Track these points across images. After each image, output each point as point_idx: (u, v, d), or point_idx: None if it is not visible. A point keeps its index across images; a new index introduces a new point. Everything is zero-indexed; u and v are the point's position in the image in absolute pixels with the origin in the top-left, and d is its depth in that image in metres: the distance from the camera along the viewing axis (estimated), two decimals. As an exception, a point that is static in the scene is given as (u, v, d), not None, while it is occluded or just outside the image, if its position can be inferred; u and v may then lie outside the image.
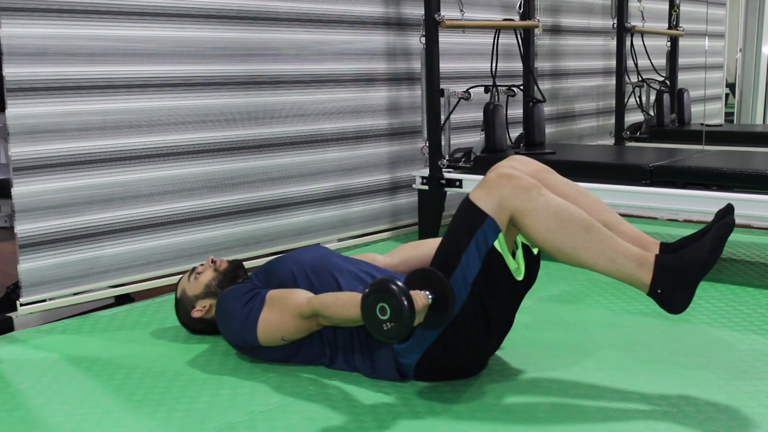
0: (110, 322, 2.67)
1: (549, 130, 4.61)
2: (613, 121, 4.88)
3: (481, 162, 3.54)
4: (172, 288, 2.49)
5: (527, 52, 4.09)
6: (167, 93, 2.99)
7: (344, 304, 1.95)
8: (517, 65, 4.14)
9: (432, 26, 3.54)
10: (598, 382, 2.02)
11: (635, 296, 2.71)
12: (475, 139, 3.94)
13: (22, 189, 2.64)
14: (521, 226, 1.88)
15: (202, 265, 2.42)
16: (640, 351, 2.25)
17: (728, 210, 1.85)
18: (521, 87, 4.08)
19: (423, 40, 3.57)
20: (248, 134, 3.26)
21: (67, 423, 1.88)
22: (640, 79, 5.03)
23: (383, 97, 3.80)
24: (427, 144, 3.65)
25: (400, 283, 1.77)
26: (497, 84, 3.88)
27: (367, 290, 1.80)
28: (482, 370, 2.10)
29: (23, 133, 2.63)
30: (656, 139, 4.81)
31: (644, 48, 4.97)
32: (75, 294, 2.81)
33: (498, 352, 2.19)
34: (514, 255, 1.96)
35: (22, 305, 2.68)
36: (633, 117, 5.07)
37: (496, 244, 1.88)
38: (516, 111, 4.24)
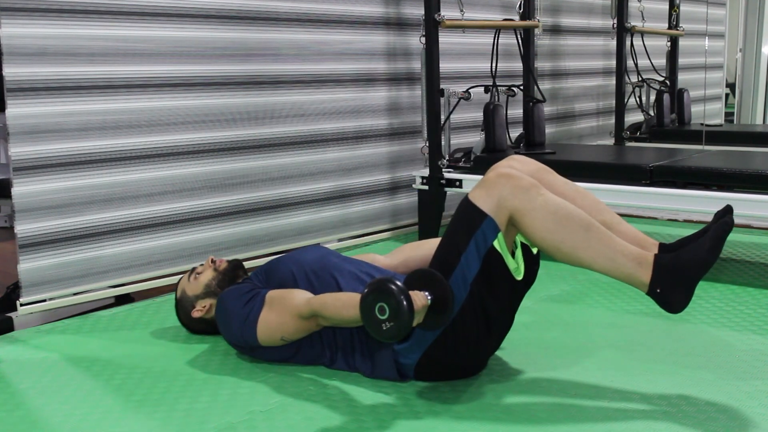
0: (110, 322, 2.67)
1: (549, 130, 4.61)
2: (613, 121, 4.89)
3: (481, 162, 3.54)
4: (172, 288, 2.49)
5: (527, 52, 4.09)
6: (167, 93, 2.99)
7: (343, 305, 1.95)
8: (517, 65, 4.14)
9: (432, 26, 3.54)
10: (598, 382, 2.02)
11: (635, 296, 2.71)
12: (475, 139, 3.94)
13: (22, 189, 2.64)
14: (520, 225, 1.88)
15: (201, 265, 2.42)
16: (640, 351, 2.25)
17: (727, 210, 1.85)
18: (521, 87, 4.08)
19: (423, 40, 3.57)
20: (248, 134, 3.26)
21: (67, 423, 1.88)
22: (640, 79, 5.03)
23: (383, 97, 3.80)
24: (427, 144, 3.65)
25: (399, 283, 1.77)
26: (497, 84, 3.88)
27: (366, 290, 1.80)
28: (482, 370, 2.10)
29: (23, 133, 2.63)
30: (656, 139, 4.81)
31: (644, 48, 4.97)
32: (75, 294, 2.81)
33: (498, 353, 2.19)
34: (513, 254, 1.96)
35: (22, 305, 2.68)
36: (633, 117, 5.07)
37: (496, 243, 1.88)
38: (516, 111, 4.24)
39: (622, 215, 2.06)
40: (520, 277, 1.96)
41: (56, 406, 1.98)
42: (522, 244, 1.99)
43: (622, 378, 2.03)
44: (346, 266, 2.17)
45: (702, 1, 5.68)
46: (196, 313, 2.36)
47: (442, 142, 3.65)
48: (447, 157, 3.67)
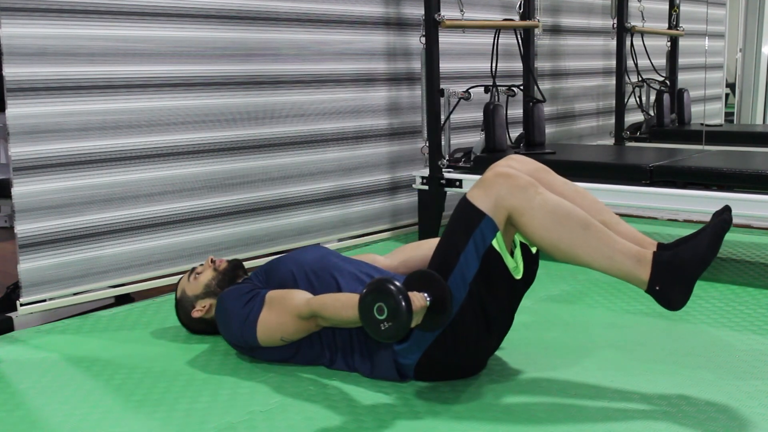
0: (110, 322, 2.67)
1: (549, 130, 4.61)
2: (613, 121, 4.89)
3: (481, 162, 3.54)
4: (172, 288, 2.49)
5: (527, 52, 4.09)
6: (167, 93, 2.99)
7: (342, 305, 1.95)
8: (517, 65, 4.14)
9: (432, 26, 3.53)
10: (598, 382, 2.02)
11: (635, 296, 2.71)
12: (475, 139, 3.94)
13: (22, 189, 2.64)
14: (519, 224, 1.88)
15: (201, 265, 2.42)
16: (640, 351, 2.25)
17: (725, 209, 1.85)
18: (521, 87, 4.08)
19: (423, 40, 3.57)
20: (248, 134, 3.26)
21: (67, 423, 1.88)
22: (640, 79, 5.03)
23: (383, 97, 3.80)
24: (427, 144, 3.65)
25: (398, 283, 1.77)
26: (497, 84, 3.88)
27: (364, 290, 1.80)
28: (482, 370, 2.10)
29: (23, 133, 2.63)
30: (656, 139, 4.81)
31: (644, 48, 4.97)
32: (75, 294, 2.81)
33: (498, 353, 2.19)
34: (512, 254, 1.96)
35: (22, 305, 2.68)
36: (633, 117, 5.07)
37: (494, 243, 1.88)
38: (516, 111, 4.24)
39: (622, 215, 2.06)
40: (519, 277, 1.96)
41: (56, 406, 1.98)
42: (521, 243, 1.99)
43: (622, 378, 2.03)
44: (346, 267, 2.17)
45: (702, 1, 5.68)
46: (196, 313, 2.36)
47: (442, 142, 3.65)
48: (447, 157, 3.67)
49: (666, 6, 5.31)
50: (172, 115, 3.01)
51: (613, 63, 4.84)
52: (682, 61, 5.37)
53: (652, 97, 5.11)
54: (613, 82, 4.83)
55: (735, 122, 5.87)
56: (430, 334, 1.93)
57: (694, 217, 3.89)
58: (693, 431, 1.73)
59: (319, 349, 2.13)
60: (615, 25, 4.72)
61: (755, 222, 3.74)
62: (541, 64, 4.66)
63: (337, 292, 2.08)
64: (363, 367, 2.06)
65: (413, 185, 3.72)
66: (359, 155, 3.72)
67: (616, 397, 1.93)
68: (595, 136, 5.24)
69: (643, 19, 5.00)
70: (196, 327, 2.42)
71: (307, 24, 3.43)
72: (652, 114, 5.05)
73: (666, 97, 4.96)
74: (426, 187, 3.65)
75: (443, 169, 3.62)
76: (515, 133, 4.13)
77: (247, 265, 2.52)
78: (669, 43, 5.30)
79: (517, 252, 1.98)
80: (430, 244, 2.23)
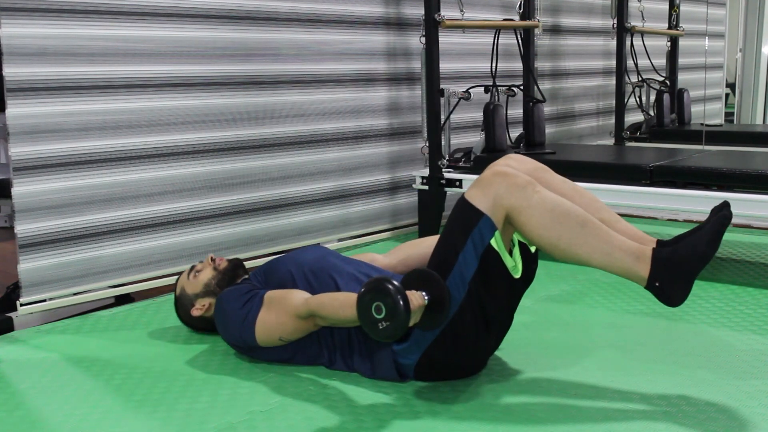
0: (110, 322, 2.67)
1: (549, 130, 4.61)
2: (613, 121, 4.89)
3: (481, 162, 3.54)
4: (172, 288, 2.49)
5: (527, 52, 4.09)
6: (167, 93, 2.99)
7: (341, 305, 1.95)
8: (517, 65, 4.14)
9: (432, 26, 3.54)
10: (598, 382, 2.02)
11: (635, 296, 2.71)
12: (475, 139, 3.94)
13: (22, 189, 2.64)
14: (517, 223, 1.88)
15: (201, 262, 2.42)
16: (640, 351, 2.25)
17: (724, 205, 1.85)
18: (521, 87, 4.08)
19: (423, 40, 3.57)
20: (248, 134, 3.26)
21: (67, 423, 1.88)
22: (640, 79, 5.03)
23: (383, 97, 3.80)
24: (427, 144, 3.65)
25: (396, 283, 1.77)
26: (497, 84, 3.88)
27: (362, 290, 1.80)
28: (482, 369, 2.10)
29: (23, 133, 2.63)
30: (656, 139, 4.81)
31: (644, 48, 4.97)
32: (75, 294, 2.81)
33: (498, 353, 2.19)
34: (511, 253, 1.96)
35: (22, 305, 2.68)
36: (633, 117, 5.07)
37: (493, 242, 1.88)
38: (516, 111, 4.24)
39: (622, 215, 2.06)
40: (518, 276, 1.96)
41: (56, 406, 1.98)
42: (520, 242, 1.99)
43: (622, 378, 2.03)
44: (345, 267, 2.17)
45: (702, 1, 5.68)
46: (195, 312, 2.36)
47: (442, 142, 3.65)
48: (447, 157, 3.67)
49: (666, 6, 5.31)
50: (172, 115, 3.01)
51: (613, 63, 4.84)
52: (682, 61, 5.37)
53: (652, 97, 5.11)
54: (613, 82, 4.83)
55: (735, 122, 5.87)
56: (430, 334, 1.93)
57: (694, 217, 3.89)
58: (693, 431, 1.73)
59: (318, 349, 2.13)
60: (615, 25, 4.72)
61: (755, 222, 3.74)
62: (541, 64, 4.66)
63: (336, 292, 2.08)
64: (362, 367, 2.06)
65: (413, 185, 3.72)
66: (359, 155, 3.72)
67: (616, 397, 1.93)
68: (595, 136, 5.24)
69: (643, 19, 5.00)
70: (196, 324, 2.42)
71: (307, 24, 3.43)
72: (652, 114, 5.05)
73: (666, 97, 4.97)
74: (426, 187, 3.65)
75: (443, 169, 3.62)
76: (515, 133, 4.13)
77: (247, 265, 2.52)
78: (669, 43, 5.30)
79: (516, 251, 1.98)
80: (429, 242, 2.23)
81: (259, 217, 3.33)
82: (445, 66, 3.73)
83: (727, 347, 2.26)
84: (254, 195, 3.30)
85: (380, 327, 1.77)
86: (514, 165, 2.02)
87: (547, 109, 4.46)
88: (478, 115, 3.85)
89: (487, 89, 3.85)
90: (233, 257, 2.44)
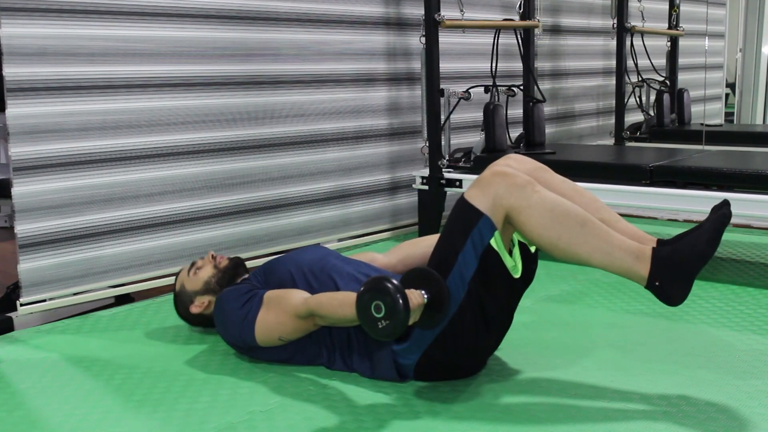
0: (110, 322, 2.67)
1: (549, 130, 4.61)
2: (613, 121, 4.89)
3: (481, 162, 3.54)
4: (172, 288, 2.49)
5: (527, 52, 4.09)
6: (167, 93, 2.99)
7: (340, 304, 1.95)
8: (517, 65, 4.14)
9: (432, 26, 3.54)
10: (598, 382, 2.02)
11: (635, 296, 2.72)
12: (475, 139, 3.94)
13: (22, 189, 2.64)
14: (517, 223, 1.88)
15: (202, 259, 2.41)
16: (640, 351, 2.25)
17: (724, 203, 1.85)
18: (521, 87, 4.08)
19: (423, 40, 3.58)
20: (248, 134, 3.26)
21: (67, 423, 1.88)
22: (640, 79, 5.03)
23: (383, 97, 3.80)
24: (427, 144, 3.65)
25: (395, 281, 1.77)
26: (497, 84, 3.88)
27: (362, 288, 1.80)
28: (481, 369, 2.10)
29: (23, 133, 2.63)
30: (656, 139, 4.81)
31: (644, 48, 4.97)
32: (75, 294, 2.81)
33: (498, 353, 2.19)
34: (510, 253, 1.96)
35: (22, 305, 2.68)
36: (633, 117, 5.07)
37: (493, 242, 1.88)
38: (516, 111, 4.24)
39: (622, 215, 2.05)
40: (517, 276, 1.96)
41: (56, 406, 1.98)
42: (519, 242, 1.99)
43: (622, 378, 2.03)
44: (345, 268, 2.17)
45: (702, 1, 5.68)
46: (194, 309, 2.35)
47: (442, 142, 3.66)
48: (447, 157, 3.68)
49: (666, 6, 5.31)
50: (172, 115, 3.01)
51: (613, 63, 4.84)
52: (682, 61, 5.37)
53: (652, 97, 5.11)
54: (613, 82, 4.83)
55: (735, 122, 5.87)
56: (430, 334, 1.93)
57: (694, 217, 3.88)
58: (693, 431, 1.73)
59: (317, 350, 2.13)
60: (615, 25, 4.72)
61: (755, 222, 3.74)
62: (541, 64, 4.66)
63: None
64: (362, 367, 2.06)
65: (413, 185, 3.72)
66: (359, 155, 3.72)
67: (616, 397, 1.93)
68: (595, 136, 5.24)
69: (643, 19, 5.00)
70: (194, 320, 2.41)
71: (307, 24, 3.43)
72: (652, 114, 5.05)
73: (666, 97, 4.97)
74: (426, 187, 3.65)
75: (443, 169, 3.62)
76: (515, 133, 4.13)
77: (247, 265, 2.51)
78: (669, 43, 5.30)
79: (516, 251, 1.98)
80: (429, 242, 2.23)
81: (259, 217, 3.33)
82: (445, 66, 3.73)
83: (727, 347, 2.26)
84: (254, 195, 3.30)
85: (380, 326, 1.77)
86: (514, 165, 2.02)
87: (547, 109, 4.46)
88: (478, 115, 3.85)
89: (487, 89, 3.85)
90: (234, 256, 2.44)
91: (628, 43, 4.81)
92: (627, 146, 4.76)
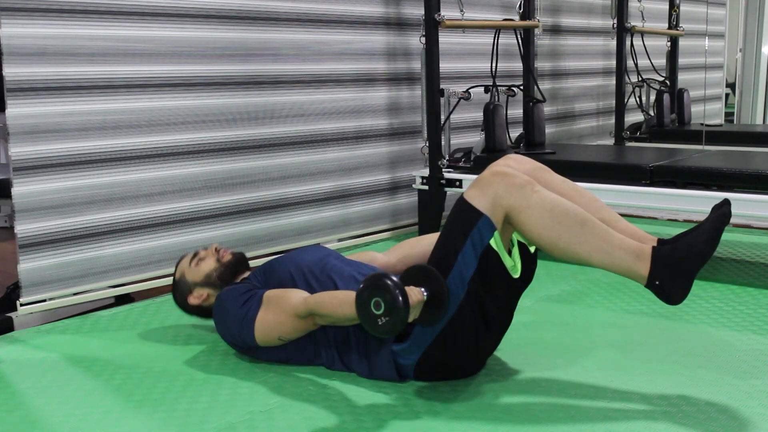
0: (110, 322, 2.67)
1: (549, 130, 4.61)
2: (613, 121, 4.89)
3: (481, 162, 3.54)
4: (172, 288, 2.49)
5: (527, 52, 4.09)
6: (167, 93, 2.99)
7: (340, 303, 1.94)
8: (517, 65, 4.14)
9: (432, 26, 3.54)
10: (598, 382, 2.02)
11: (635, 296, 2.72)
12: (475, 139, 3.94)
13: (22, 189, 2.64)
14: (516, 223, 1.88)
15: (205, 250, 2.39)
16: (640, 351, 2.25)
17: (724, 203, 1.85)
18: (521, 87, 4.08)
19: (423, 40, 3.58)
20: (248, 134, 3.26)
21: (67, 423, 1.88)
22: (640, 79, 5.03)
23: (383, 97, 3.80)
24: (427, 144, 3.65)
25: (395, 278, 1.77)
26: (497, 84, 3.88)
27: (361, 286, 1.80)
28: (481, 369, 2.10)
29: (23, 133, 2.63)
30: (656, 139, 4.81)
31: (644, 48, 4.97)
32: (75, 294, 2.81)
33: (498, 353, 2.19)
34: (510, 253, 1.96)
35: (22, 305, 2.68)
36: (633, 117, 5.07)
37: (492, 242, 1.88)
38: (516, 111, 4.24)
39: (622, 215, 2.06)
40: (517, 275, 1.96)
41: (56, 406, 1.98)
42: (519, 242, 1.99)
43: (622, 378, 2.03)
44: (346, 269, 2.17)
45: (702, 1, 5.68)
46: (192, 300, 2.33)
47: (442, 142, 3.66)
48: (447, 157, 3.68)
49: (666, 6, 5.31)
50: (172, 115, 3.01)
51: (613, 63, 4.84)
52: (682, 61, 5.37)
53: (652, 97, 5.11)
54: (613, 82, 4.83)
55: (735, 122, 5.87)
56: (429, 334, 1.93)
57: (694, 217, 3.88)
58: (693, 431, 1.73)
59: (317, 350, 2.13)
60: (615, 25, 4.72)
61: (755, 222, 3.74)
62: (541, 64, 4.66)
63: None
64: (362, 368, 2.06)
65: (413, 185, 3.72)
66: (359, 155, 3.72)
67: (616, 397, 1.93)
68: (595, 136, 5.24)
69: (643, 19, 5.00)
70: (191, 311, 2.38)
71: (307, 24, 3.43)
72: (652, 114, 5.05)
73: (666, 97, 4.97)
74: (426, 187, 3.65)
75: (443, 169, 3.62)
76: (515, 133, 4.13)
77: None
78: (669, 43, 5.30)
79: (515, 251, 1.98)
80: (429, 241, 2.23)
81: (259, 217, 3.33)
82: (445, 66, 3.73)
83: (727, 347, 2.26)
84: (254, 195, 3.30)
85: (379, 323, 1.77)
86: (514, 165, 2.02)
87: (547, 109, 4.46)
88: (478, 115, 3.85)
89: (487, 89, 3.85)
90: (238, 251, 2.41)
91: (628, 43, 4.81)
92: (627, 146, 4.76)
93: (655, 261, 1.82)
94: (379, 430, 1.78)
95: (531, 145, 4.00)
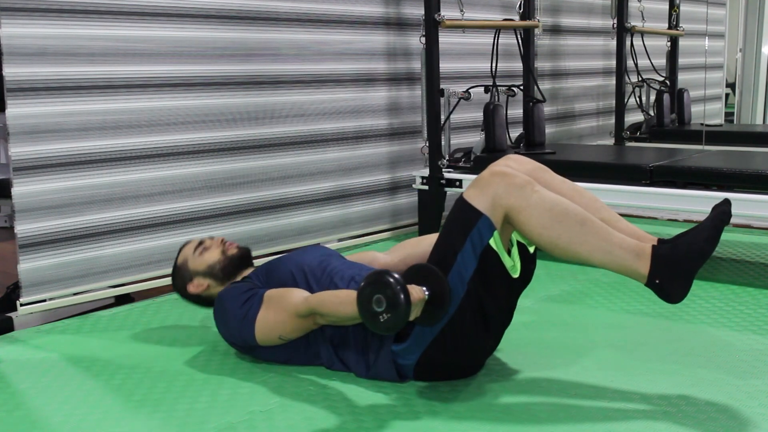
0: (110, 322, 2.67)
1: (549, 130, 4.61)
2: (613, 121, 4.89)
3: (481, 162, 3.54)
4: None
5: (527, 52, 4.09)
6: (167, 93, 2.99)
7: (341, 301, 1.94)
8: (517, 65, 4.14)
9: (432, 26, 3.54)
10: (598, 382, 2.02)
11: (635, 296, 2.72)
12: (475, 139, 3.94)
13: (22, 189, 2.64)
14: (516, 223, 1.88)
15: (211, 239, 2.36)
16: (640, 351, 2.25)
17: (724, 202, 1.85)
18: (521, 87, 4.08)
19: (423, 40, 3.58)
20: (248, 134, 3.26)
21: (67, 423, 1.88)
22: (640, 79, 5.03)
23: (383, 97, 3.80)
24: (427, 144, 3.65)
25: (396, 275, 1.77)
26: (497, 84, 3.88)
27: (363, 283, 1.80)
28: (481, 369, 2.10)
29: (23, 133, 2.63)
30: (656, 139, 4.81)
31: (644, 48, 4.97)
32: (75, 294, 2.81)
33: (497, 353, 2.19)
34: (509, 253, 1.96)
35: (22, 305, 2.68)
36: (633, 117, 5.07)
37: (492, 242, 1.88)
38: (516, 111, 4.24)
39: (622, 215, 2.06)
40: (516, 275, 1.96)
41: (56, 406, 1.98)
42: (518, 242, 1.99)
43: (622, 378, 2.03)
44: (347, 271, 2.16)
45: (702, 1, 5.68)
46: (192, 289, 2.31)
47: (442, 142, 3.66)
48: (447, 157, 3.68)
49: (666, 6, 5.31)
50: (172, 115, 3.01)
51: (613, 63, 4.84)
52: (682, 61, 5.37)
53: (652, 97, 5.11)
54: (613, 82, 4.83)
55: (735, 122, 5.87)
56: (429, 334, 1.93)
57: (694, 217, 3.88)
58: (693, 431, 1.73)
59: (316, 350, 2.12)
60: (615, 25, 4.72)
61: (755, 222, 3.74)
62: (541, 64, 4.66)
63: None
64: (361, 368, 2.06)
65: (413, 185, 3.72)
66: (359, 155, 3.72)
67: (616, 397, 1.93)
68: (595, 136, 5.24)
69: (643, 19, 5.00)
70: (188, 298, 2.36)
71: (307, 24, 3.43)
72: (652, 114, 5.05)
73: (666, 97, 4.97)
74: (426, 187, 3.65)
75: (443, 169, 3.62)
76: (515, 133, 4.13)
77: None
78: (669, 43, 5.30)
79: (514, 251, 1.98)
80: (430, 241, 2.22)
81: (259, 217, 3.33)
82: (445, 66, 3.73)
83: (727, 347, 2.26)
84: (254, 195, 3.30)
85: (381, 319, 1.77)
86: (514, 165, 2.02)
87: (547, 109, 4.46)
88: (478, 115, 3.85)
89: (487, 89, 3.85)
90: (244, 246, 2.38)
91: (628, 43, 4.81)
92: (627, 146, 4.76)
93: (655, 260, 1.82)
94: (379, 430, 1.78)
95: (531, 145, 4.00)
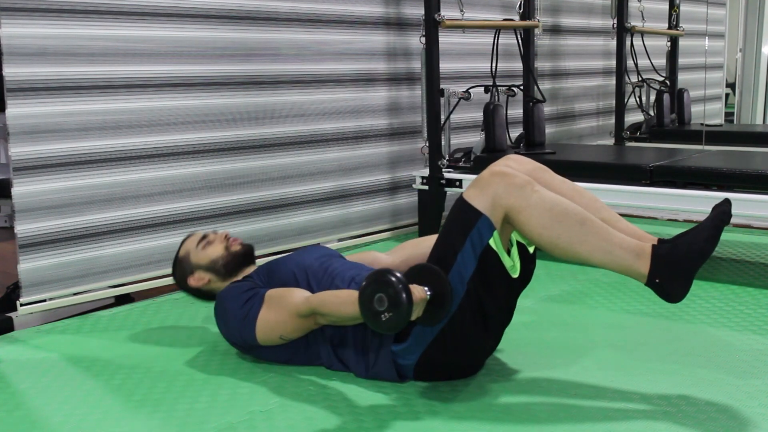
0: (110, 322, 2.67)
1: (549, 130, 4.61)
2: (613, 121, 4.89)
3: (481, 162, 3.54)
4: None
5: (527, 52, 4.09)
6: (167, 93, 2.99)
7: (342, 301, 1.94)
8: (517, 65, 4.14)
9: (432, 26, 3.54)
10: (598, 382, 2.02)
11: (635, 296, 2.72)
12: (475, 139, 3.94)
13: (22, 189, 2.64)
14: (516, 223, 1.88)
15: (214, 233, 2.36)
16: (640, 351, 2.25)
17: (725, 202, 1.85)
18: (521, 87, 4.08)
19: (423, 40, 3.58)
20: (248, 134, 3.26)
21: (67, 423, 1.88)
22: (640, 79, 5.03)
23: (383, 97, 3.80)
24: (427, 144, 3.65)
25: (398, 274, 1.77)
26: (497, 84, 3.88)
27: (364, 282, 1.80)
28: (481, 369, 2.10)
29: (23, 133, 2.63)
30: (656, 139, 4.81)
31: (644, 48, 4.97)
32: (75, 294, 2.81)
33: (497, 353, 2.19)
34: (509, 253, 1.96)
35: (22, 305, 2.68)
36: (633, 117, 5.08)
37: (491, 242, 1.88)
38: (516, 111, 4.24)
39: (622, 215, 2.06)
40: (516, 275, 1.96)
41: (56, 406, 1.98)
42: (518, 242, 1.99)
43: (622, 378, 2.03)
44: (348, 272, 2.16)
45: (702, 1, 5.68)
46: (192, 282, 2.30)
47: (442, 142, 3.66)
48: (447, 157, 3.68)
49: (666, 6, 5.31)
50: (172, 115, 3.01)
51: (613, 63, 4.84)
52: (682, 61, 5.37)
53: (652, 97, 5.11)
54: (613, 82, 4.83)
55: (735, 122, 5.87)
56: (429, 334, 1.93)
57: (694, 217, 3.88)
58: (693, 431, 1.73)
59: (317, 350, 2.12)
60: (615, 25, 4.72)
61: (755, 222, 3.74)
62: (541, 64, 4.66)
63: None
64: (361, 368, 2.06)
65: (413, 185, 3.72)
66: (359, 155, 3.72)
67: (616, 397, 1.93)
68: (595, 136, 5.24)
69: (643, 19, 5.00)
70: (188, 291, 2.36)
71: (307, 24, 3.43)
72: (652, 114, 5.05)
73: (666, 97, 4.97)
74: (426, 187, 3.65)
75: (443, 169, 3.62)
76: (515, 133, 4.13)
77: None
78: (669, 43, 5.30)
79: (514, 251, 1.98)
80: (431, 241, 2.22)
81: (259, 217, 3.33)
82: (445, 66, 3.73)
83: (727, 347, 2.26)
84: (254, 195, 3.30)
85: (383, 319, 1.76)
86: (514, 165, 2.02)
87: (547, 109, 4.46)
88: (478, 115, 3.85)
89: (487, 89, 3.85)
90: (247, 243, 2.38)
91: (628, 43, 4.81)
92: (627, 146, 4.76)
93: (655, 259, 1.82)
94: (379, 430, 1.78)
95: (531, 145, 4.00)
